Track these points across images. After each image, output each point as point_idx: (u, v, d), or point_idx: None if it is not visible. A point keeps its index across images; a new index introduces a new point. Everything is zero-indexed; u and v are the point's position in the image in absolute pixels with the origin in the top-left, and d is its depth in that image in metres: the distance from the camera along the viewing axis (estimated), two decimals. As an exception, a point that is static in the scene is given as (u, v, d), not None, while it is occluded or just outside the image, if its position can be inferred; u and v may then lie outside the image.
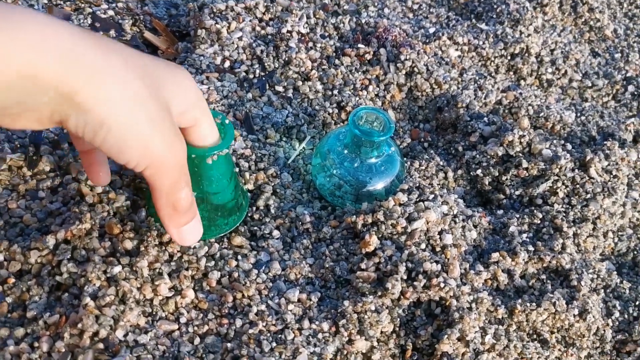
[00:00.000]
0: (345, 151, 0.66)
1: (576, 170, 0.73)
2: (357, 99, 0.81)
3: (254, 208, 0.65)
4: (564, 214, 0.70)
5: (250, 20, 0.88)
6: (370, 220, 0.62)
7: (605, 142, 0.79)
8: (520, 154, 0.75)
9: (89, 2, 0.89)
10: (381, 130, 0.65)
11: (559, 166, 0.72)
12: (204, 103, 0.49)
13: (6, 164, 0.61)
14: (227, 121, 0.54)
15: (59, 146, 0.65)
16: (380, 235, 0.61)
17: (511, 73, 0.97)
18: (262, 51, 0.84)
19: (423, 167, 0.75)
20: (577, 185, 0.72)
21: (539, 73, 0.97)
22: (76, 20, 0.86)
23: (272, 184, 0.68)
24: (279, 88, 0.81)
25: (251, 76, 0.81)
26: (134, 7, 0.92)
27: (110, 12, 0.89)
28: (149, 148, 0.41)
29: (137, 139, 0.40)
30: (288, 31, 0.87)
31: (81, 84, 0.36)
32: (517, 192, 0.73)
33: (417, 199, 0.65)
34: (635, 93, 1.02)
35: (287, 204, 0.67)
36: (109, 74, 0.38)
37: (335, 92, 0.81)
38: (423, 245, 0.61)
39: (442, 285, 0.57)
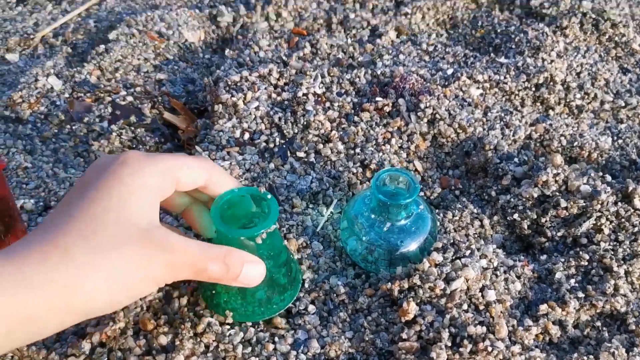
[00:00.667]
0: (373, 215, 0.64)
1: (619, 204, 0.69)
2: (381, 154, 0.79)
3: (287, 284, 0.64)
4: (612, 252, 0.66)
5: (265, 88, 0.88)
6: (406, 286, 0.60)
7: (647, 167, 0.75)
8: (557, 193, 0.71)
9: (108, 90, 0.91)
10: (406, 189, 0.63)
11: (600, 201, 0.69)
12: (185, 160, 0.50)
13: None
14: (269, 196, 0.54)
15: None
16: (418, 301, 0.59)
17: (538, 104, 0.94)
18: (280, 118, 0.84)
19: (457, 218, 0.72)
20: (622, 219, 0.68)
21: (567, 100, 0.94)
22: (97, 110, 0.88)
23: (304, 255, 0.66)
24: (301, 154, 0.80)
25: (271, 145, 0.81)
26: (152, 89, 0.93)
27: (130, 98, 0.91)
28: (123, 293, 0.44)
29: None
30: (304, 94, 0.87)
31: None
32: (560, 234, 0.70)
33: (454, 257, 0.62)
34: (673, 106, 0.98)
35: (321, 275, 0.66)
36: None
37: (358, 150, 0.80)
38: (465, 306, 0.58)
39: (489, 349, 0.54)
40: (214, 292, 0.55)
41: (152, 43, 1.04)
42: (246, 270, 0.50)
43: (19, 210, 0.64)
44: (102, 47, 1.00)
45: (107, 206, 0.42)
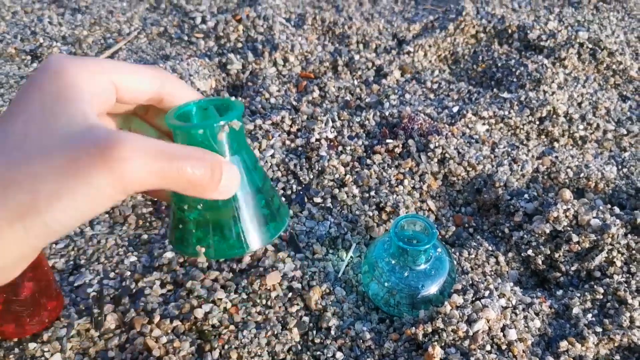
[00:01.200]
0: (393, 261, 0.67)
1: (629, 236, 0.72)
2: (395, 196, 0.82)
3: (314, 332, 0.66)
4: (626, 284, 0.68)
5: (279, 135, 0.92)
6: (430, 329, 0.62)
7: (653, 197, 0.78)
8: (569, 228, 0.74)
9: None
10: (424, 233, 0.66)
11: (610, 235, 0.71)
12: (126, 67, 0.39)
13: (75, 329, 0.64)
14: (233, 98, 0.42)
15: (120, 302, 0.68)
16: (442, 344, 0.61)
17: (543, 137, 0.97)
18: (295, 165, 0.87)
19: (473, 256, 0.75)
20: (634, 251, 0.71)
21: (571, 132, 0.97)
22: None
23: (328, 302, 0.69)
24: (318, 199, 0.83)
25: (289, 192, 0.84)
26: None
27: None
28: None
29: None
30: (317, 139, 0.90)
31: None
32: (574, 268, 0.72)
33: (473, 298, 0.65)
34: (674, 132, 1.01)
35: (346, 321, 0.68)
36: None
37: (372, 193, 0.83)
38: (488, 347, 0.60)
39: (515, 389, 0.56)
40: (181, 226, 0.42)
41: (165, 94, 1.08)
42: (226, 173, 0.36)
43: (52, 272, 0.67)
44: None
45: (28, 118, 0.33)
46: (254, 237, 0.43)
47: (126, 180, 0.31)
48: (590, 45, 1.17)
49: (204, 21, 1.33)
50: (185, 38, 1.30)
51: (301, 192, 0.84)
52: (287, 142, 0.91)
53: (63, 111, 0.33)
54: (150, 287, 0.70)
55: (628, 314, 0.65)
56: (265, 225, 0.45)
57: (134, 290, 0.70)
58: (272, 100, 1.04)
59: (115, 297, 0.68)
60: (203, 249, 0.42)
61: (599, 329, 0.64)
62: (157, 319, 0.66)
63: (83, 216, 0.31)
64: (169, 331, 0.65)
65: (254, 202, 0.42)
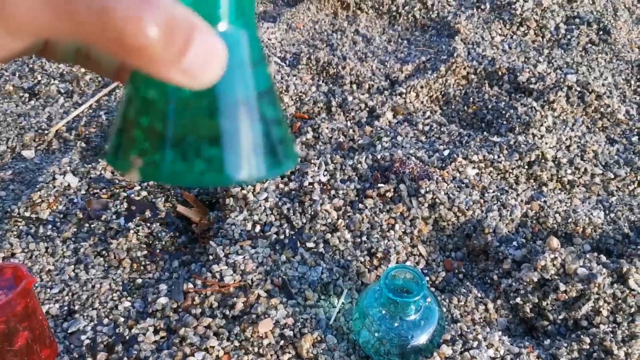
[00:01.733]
0: (383, 311, 0.68)
1: (615, 285, 0.73)
2: (386, 241, 0.83)
3: (305, 381, 0.67)
4: (612, 334, 0.70)
5: (272, 179, 0.93)
6: (419, 380, 0.63)
7: (639, 242, 0.79)
8: (556, 277, 0.75)
9: (123, 186, 0.96)
10: (414, 282, 0.67)
11: (596, 284, 0.73)
12: None
13: (67, 378, 0.65)
14: None
15: (113, 350, 0.68)
16: (431, 395, 0.62)
17: (532, 181, 0.99)
18: (288, 209, 0.88)
19: (462, 303, 0.76)
20: (619, 300, 0.72)
21: (559, 176, 0.99)
22: (113, 206, 0.92)
23: (319, 351, 0.70)
24: (310, 244, 0.84)
25: (282, 237, 0.85)
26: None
27: (144, 193, 0.95)
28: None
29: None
30: (310, 183, 0.92)
31: None
32: (561, 317, 0.73)
33: (462, 349, 0.66)
34: (660, 176, 1.03)
35: (336, 370, 0.69)
36: None
37: (364, 238, 0.84)
38: (476, 399, 0.61)
39: None
40: (124, 127, 0.27)
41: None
42: (200, 42, 0.23)
43: (46, 320, 0.68)
44: (115, 141, 1.05)
45: None
46: (237, 162, 0.27)
47: (11, 20, 0.22)
48: (578, 88, 1.20)
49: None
50: (182, 76, 1.33)
51: (294, 237, 0.85)
52: (281, 186, 0.93)
53: None
54: (144, 333, 0.71)
55: (614, 365, 0.66)
56: (259, 155, 0.28)
57: (127, 337, 0.71)
58: (267, 142, 1.05)
59: (108, 345, 0.69)
60: (140, 162, 0.26)
61: (585, 380, 0.65)
62: (150, 367, 0.66)
63: None
64: (161, 380, 0.65)
65: (248, 112, 0.27)
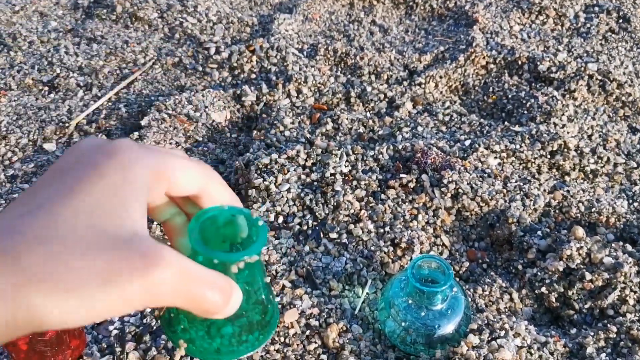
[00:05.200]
0: (410, 301, 0.68)
1: (642, 274, 0.73)
2: (409, 231, 0.83)
3: (332, 370, 0.67)
4: (639, 323, 0.69)
5: (294, 170, 0.93)
6: (446, 370, 0.63)
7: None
8: (582, 266, 0.75)
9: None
10: (440, 272, 0.67)
11: (623, 273, 0.72)
12: (174, 158, 0.38)
13: (97, 367, 0.66)
14: (260, 222, 0.41)
15: (141, 340, 0.69)
16: (459, 385, 0.62)
17: (554, 170, 0.99)
18: (311, 200, 0.88)
19: (487, 292, 0.76)
20: (647, 290, 0.72)
21: (582, 165, 0.98)
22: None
23: (345, 340, 0.70)
24: (333, 235, 0.84)
25: (305, 228, 0.85)
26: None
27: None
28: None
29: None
30: (332, 174, 0.92)
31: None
32: (587, 306, 0.73)
33: (489, 338, 0.66)
34: (684, 165, 1.02)
35: (363, 359, 0.69)
36: None
37: (387, 228, 0.84)
38: (504, 388, 0.61)
39: None
40: (172, 314, 0.42)
41: (181, 126, 1.10)
42: (234, 297, 0.37)
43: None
44: (136, 134, 1.06)
45: (79, 207, 0.32)
46: (238, 346, 0.43)
47: (154, 298, 0.32)
48: (599, 77, 1.19)
49: (218, 52, 1.35)
50: (200, 68, 1.33)
51: (317, 228, 0.85)
52: (303, 177, 0.93)
53: (115, 211, 0.33)
54: (171, 324, 0.72)
55: (642, 354, 0.66)
56: (251, 334, 0.44)
57: (155, 328, 0.71)
58: (287, 133, 1.06)
59: (136, 335, 0.70)
60: (185, 345, 0.41)
61: (613, 370, 0.65)
62: (177, 357, 0.67)
63: (98, 317, 0.31)
64: (190, 369, 0.66)
65: (249, 314, 0.42)
